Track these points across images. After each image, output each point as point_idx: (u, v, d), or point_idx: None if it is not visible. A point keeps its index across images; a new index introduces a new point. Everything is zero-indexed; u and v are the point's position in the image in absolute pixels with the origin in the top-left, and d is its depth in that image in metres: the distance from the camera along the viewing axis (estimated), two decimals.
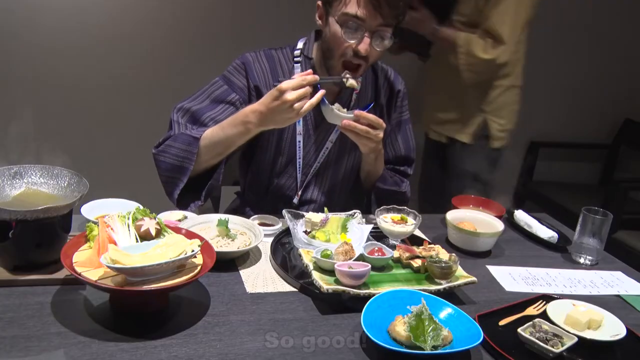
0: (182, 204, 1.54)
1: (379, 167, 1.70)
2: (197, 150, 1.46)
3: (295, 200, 1.70)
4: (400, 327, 1.03)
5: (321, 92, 1.42)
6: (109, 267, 1.00)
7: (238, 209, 1.77)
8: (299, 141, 1.64)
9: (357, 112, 1.47)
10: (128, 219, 1.14)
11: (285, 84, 1.36)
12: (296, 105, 1.36)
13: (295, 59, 1.63)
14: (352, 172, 1.75)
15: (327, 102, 1.46)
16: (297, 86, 1.37)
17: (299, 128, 1.63)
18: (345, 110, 1.51)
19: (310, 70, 1.43)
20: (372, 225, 1.46)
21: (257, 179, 1.72)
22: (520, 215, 1.76)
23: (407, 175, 1.83)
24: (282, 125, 1.45)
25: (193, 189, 1.53)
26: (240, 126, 1.44)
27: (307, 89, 1.38)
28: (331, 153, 1.68)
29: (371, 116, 1.48)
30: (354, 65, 1.53)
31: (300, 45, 1.65)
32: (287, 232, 1.46)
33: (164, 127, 1.57)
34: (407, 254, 1.31)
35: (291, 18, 2.61)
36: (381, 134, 1.51)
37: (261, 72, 1.61)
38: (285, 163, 1.67)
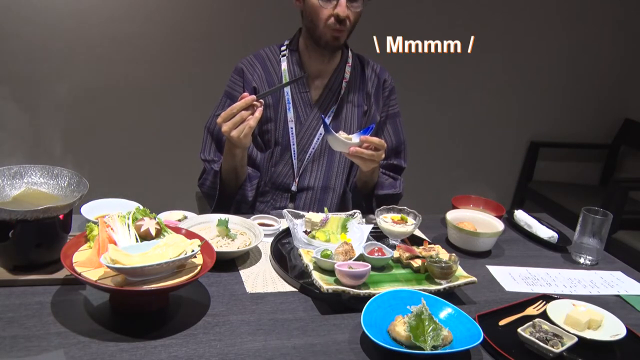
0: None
1: (375, 177, 1.74)
2: (218, 180, 1.66)
3: (294, 187, 1.76)
4: (400, 327, 1.03)
5: (259, 111, 1.47)
6: (109, 267, 1.00)
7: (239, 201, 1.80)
8: (291, 128, 1.72)
9: (362, 137, 1.49)
10: (128, 219, 1.14)
11: (219, 119, 1.47)
12: (234, 132, 1.45)
13: (282, 53, 1.75)
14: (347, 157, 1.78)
15: (332, 130, 1.48)
16: (228, 117, 1.46)
17: (290, 115, 1.72)
18: (350, 137, 1.52)
19: (246, 93, 1.47)
20: (372, 225, 1.46)
21: (257, 169, 1.76)
22: (520, 215, 1.76)
23: (402, 169, 1.87)
24: (245, 141, 1.49)
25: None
26: (228, 154, 1.60)
27: (241, 114, 1.45)
28: (325, 139, 1.73)
29: (375, 140, 1.50)
30: (340, 32, 1.59)
31: (286, 42, 1.77)
32: (287, 232, 1.46)
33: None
34: (407, 254, 1.31)
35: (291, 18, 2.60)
36: (383, 155, 1.55)
37: (255, 73, 1.72)
38: (281, 151, 1.75)
